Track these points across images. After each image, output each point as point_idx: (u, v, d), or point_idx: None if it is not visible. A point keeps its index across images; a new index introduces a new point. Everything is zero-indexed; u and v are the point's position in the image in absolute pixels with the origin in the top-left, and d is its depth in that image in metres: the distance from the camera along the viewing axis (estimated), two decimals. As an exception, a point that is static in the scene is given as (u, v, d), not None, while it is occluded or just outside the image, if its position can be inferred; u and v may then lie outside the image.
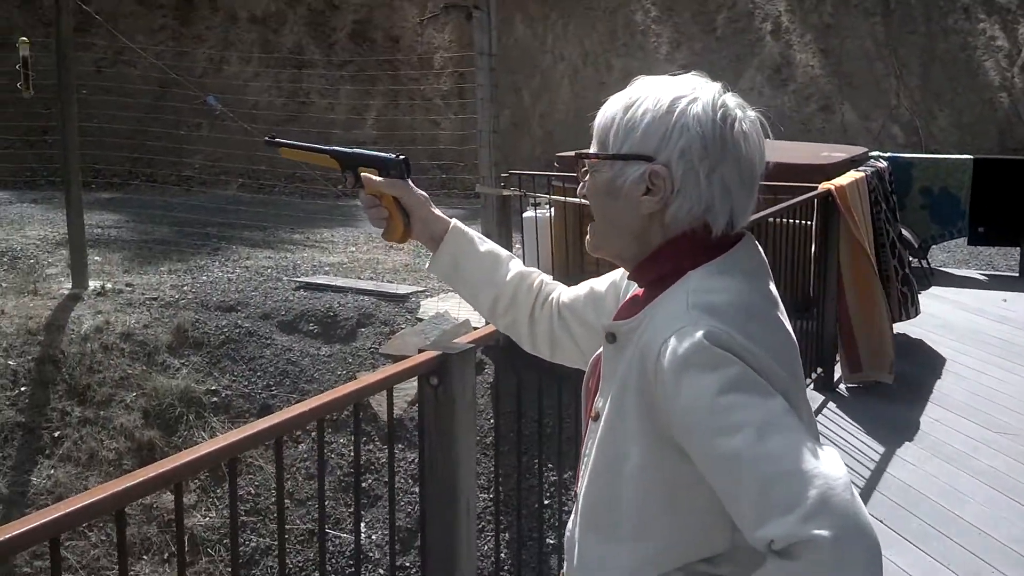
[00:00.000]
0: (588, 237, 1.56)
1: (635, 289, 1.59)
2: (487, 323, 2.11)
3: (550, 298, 1.85)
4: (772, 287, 1.49)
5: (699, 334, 1.32)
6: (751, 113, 1.47)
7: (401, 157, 1.84)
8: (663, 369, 1.33)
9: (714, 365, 1.30)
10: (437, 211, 1.86)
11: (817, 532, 1.19)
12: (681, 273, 1.43)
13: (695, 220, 1.44)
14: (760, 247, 1.53)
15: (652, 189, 1.44)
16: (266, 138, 2.02)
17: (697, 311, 1.35)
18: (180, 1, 16.83)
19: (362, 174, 1.83)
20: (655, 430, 1.38)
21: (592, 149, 1.52)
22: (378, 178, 1.82)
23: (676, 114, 1.42)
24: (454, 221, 1.87)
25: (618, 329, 1.48)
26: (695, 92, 1.44)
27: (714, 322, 1.33)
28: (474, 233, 1.87)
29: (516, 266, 1.87)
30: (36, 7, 15.98)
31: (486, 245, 1.87)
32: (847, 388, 5.69)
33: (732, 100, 1.45)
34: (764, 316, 1.43)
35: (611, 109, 1.49)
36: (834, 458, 1.28)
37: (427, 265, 1.89)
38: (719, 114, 1.42)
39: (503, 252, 1.88)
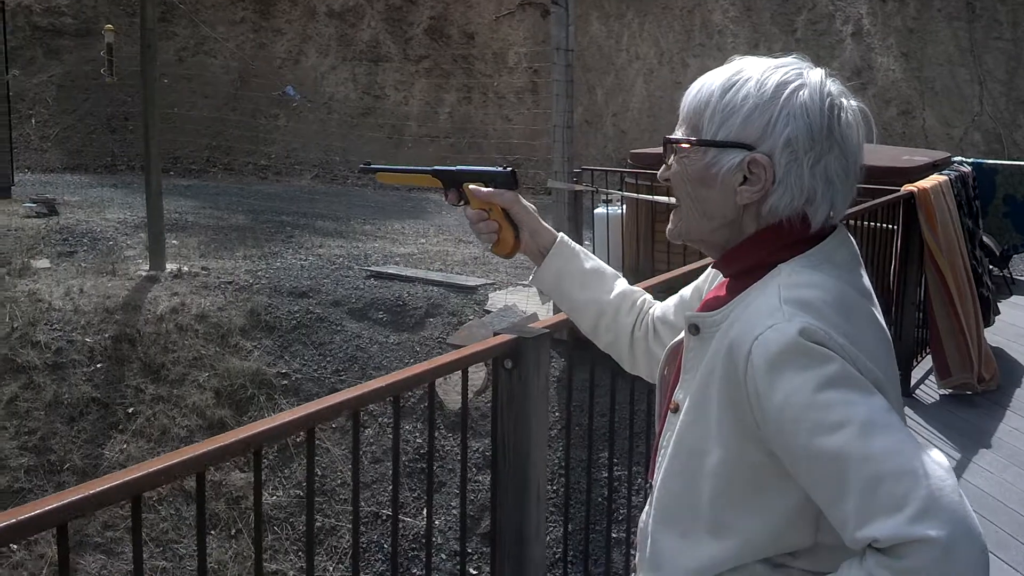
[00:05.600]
0: (671, 224, 1.50)
1: (720, 281, 1.55)
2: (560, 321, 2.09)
3: (648, 316, 1.79)
4: (865, 280, 1.43)
5: (794, 330, 1.26)
6: (854, 102, 1.40)
7: (509, 169, 1.81)
8: (755, 366, 1.28)
9: (812, 361, 1.25)
10: (544, 223, 1.83)
11: (927, 532, 1.15)
12: (771, 266, 1.38)
13: (794, 212, 1.38)
14: (852, 238, 1.48)
15: (750, 179, 1.37)
16: (361, 165, 1.99)
17: (791, 306, 1.29)
18: (261, -7, 17.10)
19: (470, 187, 1.79)
20: (739, 426, 1.33)
21: (680, 131, 1.44)
22: (487, 189, 1.79)
23: (782, 101, 1.35)
24: (561, 235, 1.83)
25: (702, 321, 1.43)
26: (802, 77, 1.37)
27: (809, 318, 1.28)
28: (580, 248, 1.83)
29: (620, 284, 1.82)
30: (122, -4, 16.35)
31: (591, 261, 1.82)
32: (939, 395, 5.58)
33: (836, 87, 1.39)
34: (858, 312, 1.36)
35: (706, 89, 1.41)
36: (940, 458, 1.22)
37: (530, 278, 1.85)
38: (827, 103, 1.35)
39: (608, 269, 1.84)
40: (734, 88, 1.38)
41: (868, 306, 1.40)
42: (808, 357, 1.25)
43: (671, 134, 1.48)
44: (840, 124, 1.36)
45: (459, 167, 1.84)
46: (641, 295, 1.83)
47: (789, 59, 1.41)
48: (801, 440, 1.25)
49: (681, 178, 1.45)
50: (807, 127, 1.34)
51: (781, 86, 1.36)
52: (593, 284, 1.81)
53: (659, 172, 1.50)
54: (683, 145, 1.43)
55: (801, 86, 1.36)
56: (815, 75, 1.38)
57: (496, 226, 1.79)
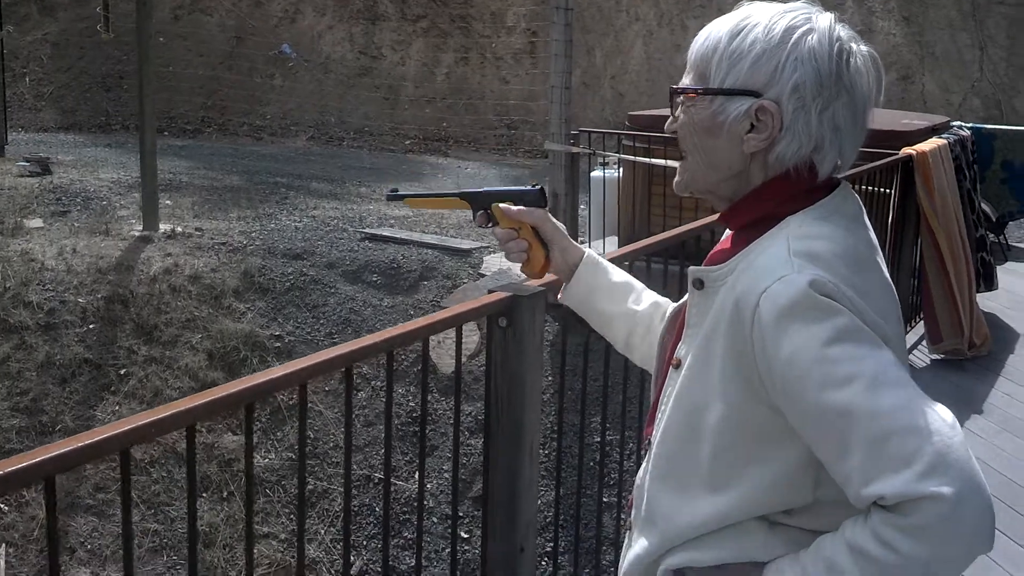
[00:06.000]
0: (677, 176, 1.47)
1: (726, 237, 1.52)
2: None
3: None
4: (872, 233, 1.42)
5: (804, 282, 1.24)
6: (864, 48, 1.37)
7: (537, 187, 1.80)
8: (763, 318, 1.26)
9: (821, 315, 1.23)
10: (573, 241, 1.81)
11: (937, 489, 1.14)
12: (778, 218, 1.36)
13: (801, 160, 1.35)
14: (856, 194, 1.46)
15: (757, 126, 1.35)
16: (388, 192, 1.99)
17: (800, 259, 1.27)
18: (256, -49, 16.90)
19: (500, 206, 1.79)
20: (743, 381, 1.32)
21: (687, 79, 1.42)
22: (515, 207, 1.78)
23: (790, 46, 1.32)
24: (587, 250, 1.81)
25: (706, 275, 1.40)
26: (810, 22, 1.34)
27: (818, 270, 1.26)
28: (607, 262, 1.82)
29: (650, 296, 1.80)
30: (116, -47, 16.14)
31: (620, 275, 1.81)
32: (931, 359, 5.58)
33: (846, 32, 1.36)
34: (867, 265, 1.35)
35: (714, 35, 1.38)
36: (946, 414, 1.21)
37: (559, 296, 1.83)
38: (836, 48, 1.32)
39: (636, 282, 1.82)
40: (742, 34, 1.35)
41: (876, 259, 1.39)
42: (817, 310, 1.24)
43: (677, 84, 1.45)
44: (849, 70, 1.34)
45: (487, 188, 1.85)
46: (670, 305, 1.79)
47: (798, 3, 1.38)
48: (809, 395, 1.24)
49: (688, 129, 1.42)
50: (815, 72, 1.32)
51: (789, 31, 1.33)
52: (624, 297, 1.78)
53: (666, 124, 1.47)
54: (690, 94, 1.40)
55: (810, 31, 1.33)
56: (824, 20, 1.35)
57: (526, 245, 1.77)
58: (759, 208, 1.39)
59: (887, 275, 1.40)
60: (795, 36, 1.33)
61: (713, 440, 1.37)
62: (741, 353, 1.31)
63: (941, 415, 1.21)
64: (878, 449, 1.19)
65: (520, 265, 1.81)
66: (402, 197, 1.93)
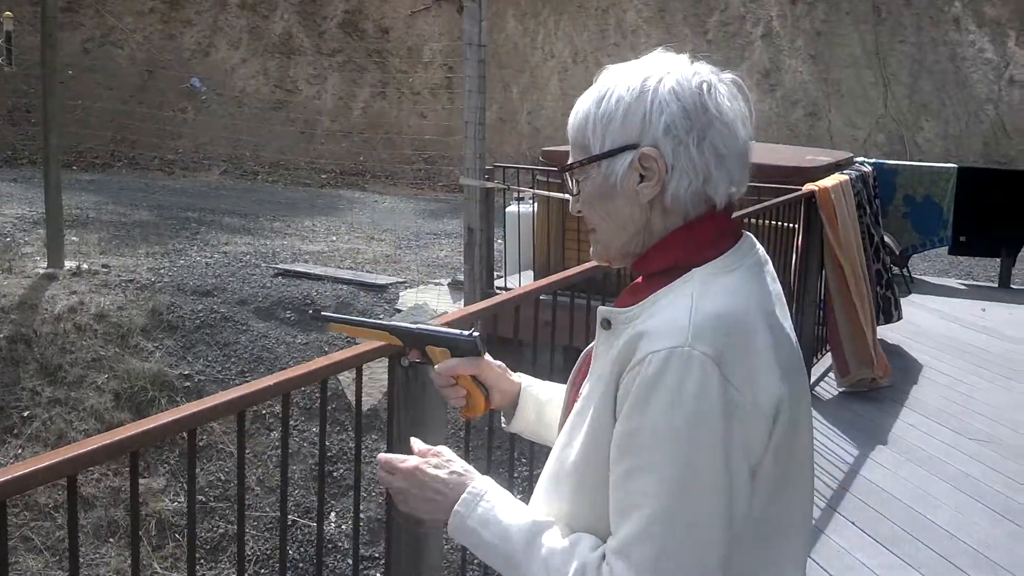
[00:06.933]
0: (592, 248, 1.50)
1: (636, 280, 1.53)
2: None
3: None
4: (776, 282, 1.45)
5: (694, 363, 1.27)
6: (726, 76, 1.42)
7: (475, 335, 1.69)
8: (640, 377, 1.29)
9: (697, 402, 1.27)
10: (512, 376, 1.77)
11: None
12: (685, 269, 1.39)
13: (696, 196, 1.39)
14: (758, 243, 1.49)
15: (646, 175, 1.38)
16: (311, 312, 1.86)
17: (698, 329, 1.29)
18: (169, -16, 16.73)
19: (438, 364, 1.68)
20: (610, 414, 1.35)
21: (572, 156, 1.46)
22: (452, 361, 1.67)
23: (651, 93, 1.37)
24: (524, 379, 1.78)
25: (615, 317, 1.43)
26: (665, 67, 1.40)
27: (711, 348, 1.28)
28: (542, 383, 1.79)
29: None
30: (23, -16, 15.83)
31: (559, 388, 1.75)
32: (838, 391, 5.68)
33: (705, 67, 1.41)
34: (771, 317, 1.38)
35: (583, 109, 1.44)
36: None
37: (507, 425, 1.79)
38: (695, 82, 1.38)
39: None
40: (607, 97, 1.41)
41: (780, 310, 1.43)
42: (696, 393, 1.27)
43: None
44: (714, 98, 1.38)
45: (420, 328, 1.71)
46: None
47: (653, 55, 1.44)
48: (636, 460, 1.29)
49: (588, 201, 1.46)
50: (681, 109, 1.36)
51: (648, 80, 1.39)
52: None
53: (570, 206, 1.50)
54: (578, 167, 1.44)
55: (667, 74, 1.39)
56: (679, 61, 1.42)
57: (464, 391, 1.70)
58: (665, 257, 1.42)
59: (790, 325, 1.44)
60: (654, 83, 1.38)
61: (580, 452, 1.39)
62: (614, 392, 1.34)
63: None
64: (644, 542, 1.26)
65: (461, 409, 1.74)
66: (327, 319, 1.77)
